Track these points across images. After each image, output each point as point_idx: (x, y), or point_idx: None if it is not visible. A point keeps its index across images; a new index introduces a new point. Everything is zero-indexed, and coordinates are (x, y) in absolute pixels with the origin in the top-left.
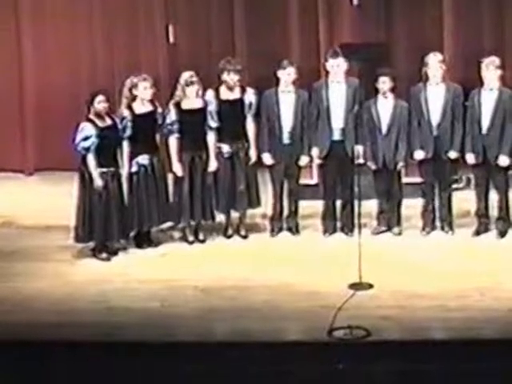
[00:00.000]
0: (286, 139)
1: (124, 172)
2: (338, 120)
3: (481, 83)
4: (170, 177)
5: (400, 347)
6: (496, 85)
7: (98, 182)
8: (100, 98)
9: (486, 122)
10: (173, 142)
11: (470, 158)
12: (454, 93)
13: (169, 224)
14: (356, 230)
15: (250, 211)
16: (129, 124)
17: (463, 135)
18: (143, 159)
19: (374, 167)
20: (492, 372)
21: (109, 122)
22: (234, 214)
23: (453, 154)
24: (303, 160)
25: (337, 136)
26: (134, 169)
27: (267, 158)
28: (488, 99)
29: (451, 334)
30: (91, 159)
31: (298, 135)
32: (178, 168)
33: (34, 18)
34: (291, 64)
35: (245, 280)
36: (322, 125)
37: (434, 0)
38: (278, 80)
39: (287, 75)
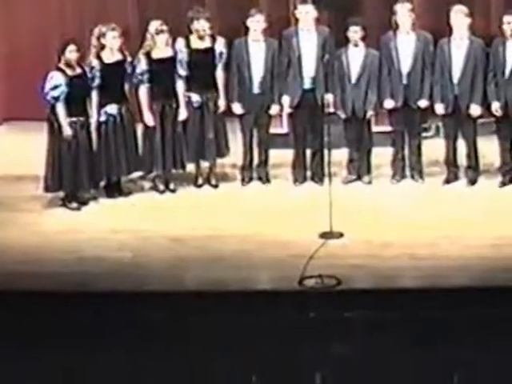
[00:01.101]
0: (256, 89)
1: (93, 121)
2: (308, 68)
3: (450, 32)
4: (139, 126)
5: (371, 296)
6: (466, 34)
7: (67, 131)
8: (71, 47)
9: (456, 72)
10: (143, 91)
11: (439, 108)
12: (424, 41)
13: (139, 174)
14: (326, 179)
15: (220, 161)
16: (97, 73)
17: (433, 84)
18: (112, 109)
19: (343, 116)
20: (463, 319)
21: (78, 71)
22: (205, 164)
23: (423, 103)
24: (274, 109)
25: (307, 85)
26: (103, 118)
27: (237, 108)
28: (458, 48)
29: (421, 282)
30: (60, 108)
31: (268, 84)
32: (149, 117)
33: None
34: (260, 12)
35: (215, 229)
36: (292, 73)
37: None
38: (247, 29)
39: (256, 23)
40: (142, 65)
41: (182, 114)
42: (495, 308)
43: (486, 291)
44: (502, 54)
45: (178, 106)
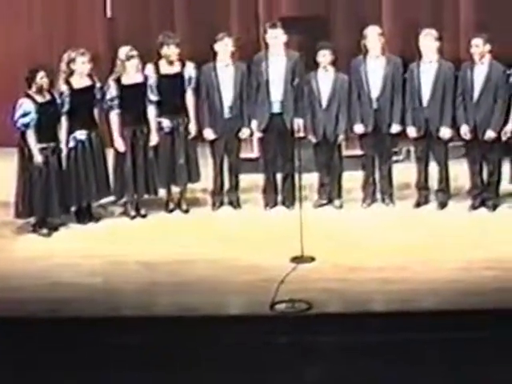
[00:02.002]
0: (226, 113)
1: (63, 147)
2: (277, 93)
3: (419, 55)
4: (110, 152)
5: (342, 320)
6: (435, 57)
7: (38, 158)
8: (41, 73)
9: (426, 95)
10: (114, 117)
11: (411, 131)
12: (393, 65)
13: (110, 199)
14: (297, 203)
15: (191, 186)
16: (67, 99)
17: (403, 108)
18: (81, 134)
19: (314, 140)
20: (433, 343)
21: (48, 97)
22: (176, 189)
23: (394, 128)
24: (244, 132)
25: (276, 109)
26: (72, 144)
27: (208, 133)
28: (427, 71)
29: (392, 306)
30: (31, 135)
31: (238, 108)
32: (119, 143)
33: None
34: (228, 36)
35: (187, 254)
36: (261, 97)
37: None
38: (215, 54)
39: (224, 47)
40: (112, 90)
41: (153, 140)
42: (466, 331)
43: (457, 315)
44: (471, 77)
45: (148, 132)
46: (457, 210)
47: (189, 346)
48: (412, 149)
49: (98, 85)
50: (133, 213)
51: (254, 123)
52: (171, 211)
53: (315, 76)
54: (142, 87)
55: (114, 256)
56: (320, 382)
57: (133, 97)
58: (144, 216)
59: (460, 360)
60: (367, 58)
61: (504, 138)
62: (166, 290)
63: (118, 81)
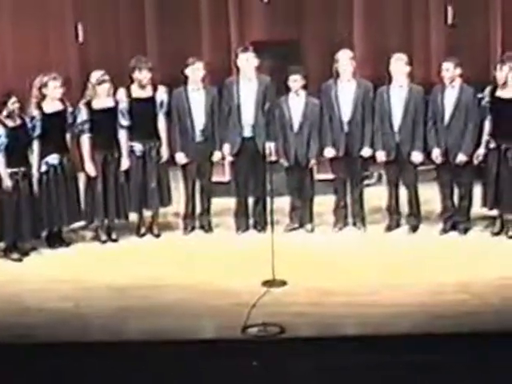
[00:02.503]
0: (198, 137)
1: (34, 172)
2: (248, 117)
3: (390, 80)
4: (81, 176)
5: (314, 344)
6: (405, 81)
7: (7, 183)
8: (13, 99)
9: (397, 119)
10: (84, 141)
11: (381, 156)
12: (364, 89)
13: (81, 223)
14: (269, 227)
15: (162, 210)
16: (38, 123)
17: (374, 132)
18: (53, 159)
19: (286, 164)
20: (406, 366)
21: (18, 121)
22: (147, 213)
23: (366, 152)
24: (216, 156)
25: (247, 133)
26: (44, 169)
27: (180, 157)
28: (398, 96)
29: (365, 330)
30: (0, 159)
31: (209, 132)
32: (90, 168)
33: None
34: (199, 60)
35: (158, 279)
36: (232, 121)
37: None
38: (186, 78)
39: (195, 71)
40: (83, 114)
41: (125, 164)
42: (436, 355)
43: (427, 338)
44: (441, 100)
45: (120, 156)
46: (428, 233)
47: (160, 370)
48: (383, 172)
49: (70, 109)
50: (104, 237)
51: (226, 147)
52: (142, 235)
53: (286, 100)
54: (113, 111)
55: (85, 281)
56: None
57: (104, 121)
58: (115, 240)
59: (432, 383)
60: (338, 81)
61: (476, 162)
62: (138, 315)
63: (88, 105)
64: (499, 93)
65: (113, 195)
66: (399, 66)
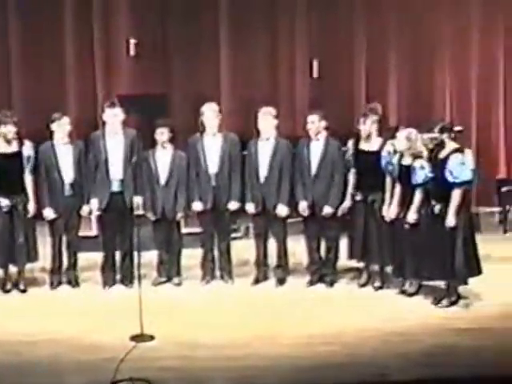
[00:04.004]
0: (67, 191)
1: None
2: (116, 171)
3: (257, 133)
4: None
5: None
6: (273, 134)
7: None
8: None
9: (263, 172)
10: None
11: (250, 208)
12: (230, 142)
13: None
14: (136, 282)
15: (29, 265)
16: None
17: (242, 185)
18: None
19: (153, 218)
20: None
21: None
22: (13, 269)
23: (232, 205)
24: (84, 210)
25: (116, 187)
26: None
27: (49, 213)
28: (265, 148)
29: (235, 383)
30: None
31: (78, 186)
32: None
33: None
34: (65, 115)
35: (27, 335)
36: (100, 176)
37: (209, 49)
38: (52, 133)
39: (62, 126)
40: None
41: None
42: None
43: None
44: (307, 153)
45: None
46: (295, 285)
47: None
48: (251, 225)
49: None
50: None
51: (94, 201)
52: (8, 291)
53: (153, 153)
54: None
55: None
56: None
57: None
58: None
59: None
60: (204, 135)
61: (340, 214)
62: (9, 373)
63: None
64: (363, 145)
65: None
66: (267, 119)
